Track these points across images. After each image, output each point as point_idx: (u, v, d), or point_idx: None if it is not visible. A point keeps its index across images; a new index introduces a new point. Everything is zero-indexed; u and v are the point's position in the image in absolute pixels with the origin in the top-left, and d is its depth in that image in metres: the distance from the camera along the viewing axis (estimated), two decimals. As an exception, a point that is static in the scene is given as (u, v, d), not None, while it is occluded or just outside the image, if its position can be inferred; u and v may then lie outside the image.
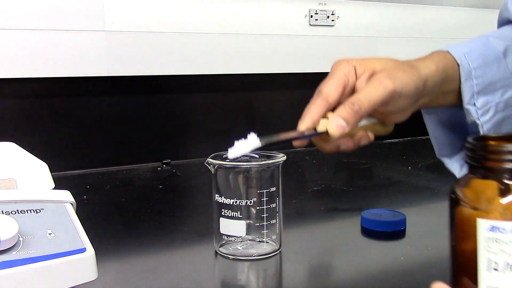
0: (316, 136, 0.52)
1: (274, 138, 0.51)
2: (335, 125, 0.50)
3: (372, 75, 0.53)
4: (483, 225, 0.36)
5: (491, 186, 0.37)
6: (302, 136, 0.51)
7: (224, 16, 1.13)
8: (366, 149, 1.33)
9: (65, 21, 0.98)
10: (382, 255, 0.62)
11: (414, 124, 1.47)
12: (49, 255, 0.42)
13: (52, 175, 0.57)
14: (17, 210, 0.44)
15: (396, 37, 1.35)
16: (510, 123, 0.61)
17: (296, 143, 0.52)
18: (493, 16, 1.58)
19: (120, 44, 1.03)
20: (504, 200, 0.36)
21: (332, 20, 1.25)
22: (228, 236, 0.59)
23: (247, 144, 0.48)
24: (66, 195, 0.49)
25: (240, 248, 0.60)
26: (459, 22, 1.45)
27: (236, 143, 0.48)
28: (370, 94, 0.51)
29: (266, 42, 1.18)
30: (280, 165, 0.60)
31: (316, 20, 1.23)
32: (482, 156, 0.38)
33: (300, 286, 0.54)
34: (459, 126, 0.62)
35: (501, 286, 0.35)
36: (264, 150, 0.63)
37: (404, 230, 0.68)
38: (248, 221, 0.58)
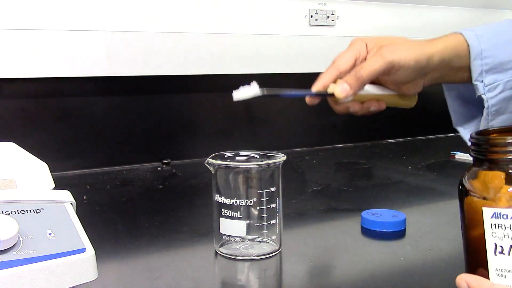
0: (324, 96, 0.61)
1: (277, 91, 0.60)
2: (340, 88, 0.60)
3: (379, 49, 0.62)
4: (487, 213, 0.38)
5: (497, 176, 0.40)
6: (311, 93, 0.61)
7: (224, 16, 1.13)
8: (366, 149, 1.33)
9: (65, 21, 0.98)
10: (382, 255, 0.62)
11: (414, 124, 1.47)
12: (49, 255, 0.42)
13: (52, 175, 0.57)
14: (17, 210, 0.44)
15: (396, 37, 1.35)
16: None
17: (308, 100, 0.62)
18: (493, 16, 1.59)
19: (120, 44, 1.03)
20: (510, 189, 0.39)
21: (332, 20, 1.25)
22: (228, 236, 0.59)
23: (250, 90, 0.57)
24: (66, 195, 0.49)
25: (240, 248, 0.60)
26: (459, 22, 1.45)
27: (242, 87, 0.57)
28: (370, 64, 0.60)
29: (266, 42, 1.18)
30: (280, 165, 0.60)
31: (316, 20, 1.23)
32: (487, 149, 0.41)
33: (300, 286, 0.54)
34: (477, 100, 0.66)
35: (508, 268, 0.38)
36: (265, 150, 0.63)
37: (404, 230, 0.68)
38: (248, 221, 0.58)
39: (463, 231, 0.43)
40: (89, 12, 1.00)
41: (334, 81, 0.61)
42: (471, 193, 0.41)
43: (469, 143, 0.65)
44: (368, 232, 0.68)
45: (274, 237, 0.60)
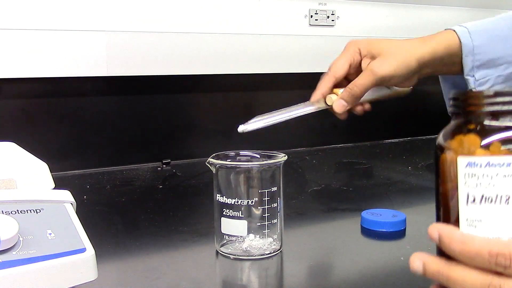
0: (324, 108, 0.69)
1: (276, 116, 0.68)
2: (337, 104, 0.67)
3: (372, 58, 0.66)
4: (461, 163, 0.39)
5: (472, 130, 0.40)
6: (311, 109, 0.68)
7: (224, 16, 1.13)
8: (366, 149, 1.33)
9: (65, 21, 0.98)
10: (382, 255, 0.62)
11: (414, 124, 1.47)
12: (49, 255, 0.41)
13: (52, 175, 0.57)
14: (17, 210, 0.44)
15: (396, 37, 1.35)
16: None
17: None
18: (493, 16, 1.58)
19: (120, 44, 1.03)
20: (484, 141, 0.39)
21: (332, 20, 1.25)
22: (229, 236, 0.59)
23: (254, 124, 0.64)
24: (66, 195, 0.49)
25: (242, 247, 0.60)
26: (459, 22, 1.45)
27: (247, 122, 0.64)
28: (362, 81, 0.65)
29: (266, 42, 1.18)
30: (281, 165, 0.60)
31: (316, 20, 1.23)
32: (464, 102, 0.41)
33: (301, 285, 0.54)
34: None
35: (478, 218, 0.38)
36: (266, 150, 0.63)
37: (404, 230, 0.68)
38: (249, 221, 0.58)
39: (437, 188, 0.43)
40: (89, 12, 0.99)
41: (331, 90, 0.68)
42: (447, 150, 0.41)
43: None
44: (368, 232, 0.68)
45: (275, 236, 0.60)
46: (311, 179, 0.98)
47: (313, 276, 0.57)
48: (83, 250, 0.43)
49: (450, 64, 0.67)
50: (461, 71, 0.67)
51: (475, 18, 1.52)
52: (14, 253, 0.40)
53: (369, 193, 0.90)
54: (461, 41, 0.66)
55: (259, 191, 0.59)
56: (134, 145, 1.09)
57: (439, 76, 0.74)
